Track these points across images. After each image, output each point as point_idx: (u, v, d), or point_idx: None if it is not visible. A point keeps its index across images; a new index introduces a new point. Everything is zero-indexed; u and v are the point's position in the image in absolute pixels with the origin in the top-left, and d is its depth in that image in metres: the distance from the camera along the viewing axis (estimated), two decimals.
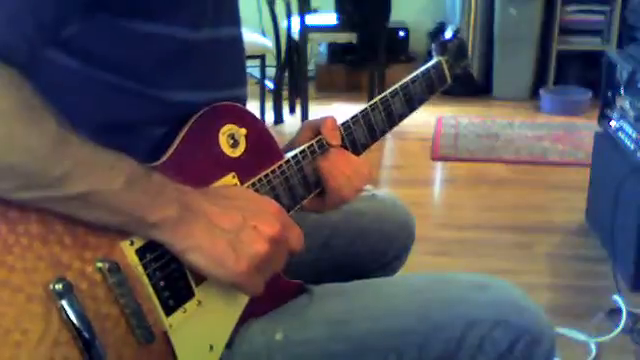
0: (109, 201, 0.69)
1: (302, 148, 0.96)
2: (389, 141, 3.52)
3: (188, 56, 0.82)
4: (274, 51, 3.75)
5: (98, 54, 0.77)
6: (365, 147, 1.05)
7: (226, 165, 0.87)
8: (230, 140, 0.87)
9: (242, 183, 0.88)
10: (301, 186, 0.95)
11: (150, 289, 0.76)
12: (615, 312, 1.98)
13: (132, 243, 0.74)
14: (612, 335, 1.89)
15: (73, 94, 0.77)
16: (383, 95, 1.07)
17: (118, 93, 0.79)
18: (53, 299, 0.68)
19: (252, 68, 3.58)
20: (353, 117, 1.03)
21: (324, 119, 1.00)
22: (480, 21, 4.12)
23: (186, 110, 0.84)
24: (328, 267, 1.16)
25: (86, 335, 0.69)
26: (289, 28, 3.73)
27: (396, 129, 1.11)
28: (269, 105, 3.72)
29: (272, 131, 0.94)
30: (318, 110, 3.77)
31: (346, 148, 1.01)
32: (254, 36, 3.61)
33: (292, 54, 3.81)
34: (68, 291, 0.68)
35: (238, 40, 0.94)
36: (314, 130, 1.00)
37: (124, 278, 0.73)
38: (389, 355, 0.88)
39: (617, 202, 2.13)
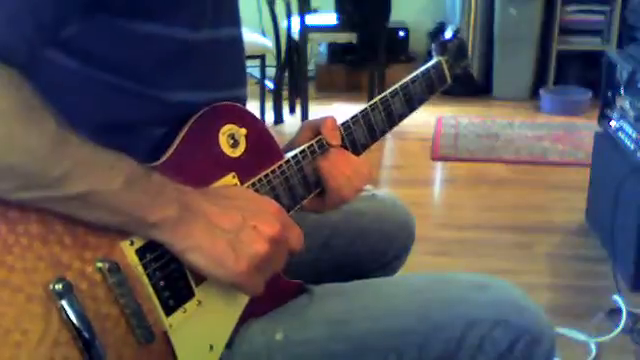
0: (109, 201, 0.69)
1: (302, 148, 0.96)
2: (389, 141, 3.52)
3: (188, 56, 0.82)
4: (274, 51, 3.75)
5: (98, 54, 0.77)
6: (365, 147, 1.05)
7: (226, 165, 0.87)
8: (230, 140, 0.87)
9: (242, 183, 0.88)
10: (301, 186, 0.95)
11: (150, 289, 0.76)
12: (615, 312, 1.98)
13: (132, 243, 0.74)
14: (612, 335, 1.89)
15: (73, 94, 0.77)
16: (383, 95, 1.07)
17: (118, 93, 0.79)
18: (53, 299, 0.68)
19: (252, 68, 3.58)
20: (353, 117, 1.03)
21: (324, 119, 1.00)
22: (480, 21, 4.12)
23: (186, 110, 0.84)
24: (328, 267, 1.16)
25: (86, 335, 0.69)
26: (289, 28, 3.73)
27: (396, 129, 1.11)
28: (269, 105, 3.72)
29: (272, 131, 0.94)
30: (318, 110, 3.77)
31: (346, 148, 1.01)
32: (254, 36, 3.61)
33: (292, 54, 3.81)
34: (68, 291, 0.68)
35: (238, 40, 0.94)
36: (314, 130, 1.00)
37: (124, 278, 0.73)
38: (389, 355, 0.88)
39: (617, 202, 2.13)
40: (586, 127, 3.49)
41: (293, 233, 0.83)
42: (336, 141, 0.99)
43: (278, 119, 3.80)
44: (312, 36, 3.66)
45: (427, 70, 1.16)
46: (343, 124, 1.01)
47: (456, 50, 1.23)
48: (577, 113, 3.88)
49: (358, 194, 1.00)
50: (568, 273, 2.29)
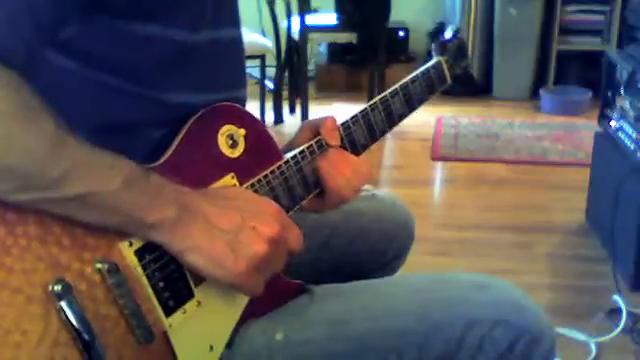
0: (107, 202, 0.69)
1: (301, 148, 0.96)
2: (389, 141, 3.52)
3: (187, 58, 0.82)
4: (274, 51, 3.75)
5: (97, 55, 0.77)
6: (365, 147, 1.05)
7: (225, 166, 0.87)
8: (229, 141, 0.87)
9: (241, 184, 0.88)
10: (300, 186, 0.95)
11: (149, 290, 0.76)
12: (615, 312, 1.98)
13: (131, 244, 0.74)
14: (612, 335, 1.89)
15: (72, 95, 0.77)
16: (383, 95, 1.07)
17: (117, 94, 0.79)
18: (52, 300, 0.68)
19: (252, 68, 3.58)
20: (353, 117, 1.03)
21: (324, 119, 1.00)
22: (480, 21, 4.12)
23: (185, 112, 0.84)
24: (328, 267, 1.16)
25: (85, 336, 0.69)
26: (289, 28, 3.73)
27: (396, 129, 1.11)
28: (269, 105, 3.72)
29: (272, 131, 0.94)
30: (318, 110, 3.77)
31: (345, 148, 1.01)
32: (254, 36, 3.61)
33: (292, 54, 3.81)
34: (67, 292, 0.68)
35: (238, 41, 0.93)
36: (313, 130, 1.00)
37: (123, 279, 0.73)
38: (389, 355, 0.88)
39: (617, 202, 2.13)
40: (586, 127, 3.48)
41: (292, 233, 0.83)
42: (335, 141, 0.99)
43: (278, 119, 3.80)
44: (312, 36, 3.66)
45: (427, 70, 1.16)
46: (343, 124, 1.01)
47: (456, 50, 1.23)
48: (577, 113, 3.88)
49: (357, 194, 1.00)
50: (568, 273, 2.29)
